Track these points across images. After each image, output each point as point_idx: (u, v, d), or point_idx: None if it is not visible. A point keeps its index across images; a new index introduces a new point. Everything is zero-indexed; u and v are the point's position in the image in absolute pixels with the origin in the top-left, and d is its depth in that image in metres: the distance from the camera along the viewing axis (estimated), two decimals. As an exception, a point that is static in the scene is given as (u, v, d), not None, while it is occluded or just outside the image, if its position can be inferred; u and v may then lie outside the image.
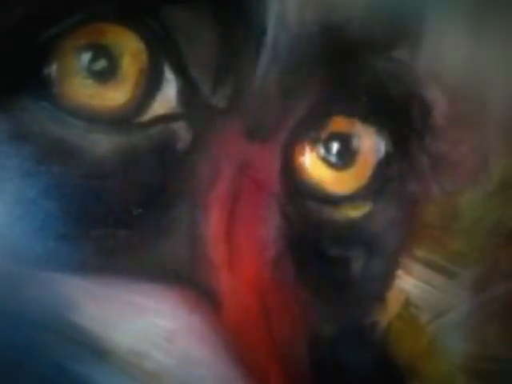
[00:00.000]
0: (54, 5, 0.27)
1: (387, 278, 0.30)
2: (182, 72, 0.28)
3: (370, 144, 0.30)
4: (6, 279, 0.27)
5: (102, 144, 0.27)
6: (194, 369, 0.27)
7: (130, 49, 0.28)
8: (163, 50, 0.28)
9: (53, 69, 0.27)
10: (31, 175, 0.27)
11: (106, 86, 0.28)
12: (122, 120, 0.28)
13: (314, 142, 0.30)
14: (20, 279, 0.27)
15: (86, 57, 0.27)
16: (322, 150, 0.30)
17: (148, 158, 0.27)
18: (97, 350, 0.26)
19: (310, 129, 0.29)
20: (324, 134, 0.30)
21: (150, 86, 0.28)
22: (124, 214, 0.27)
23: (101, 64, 0.28)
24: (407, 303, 0.30)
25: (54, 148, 0.27)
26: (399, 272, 0.30)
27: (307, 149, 0.29)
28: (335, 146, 0.30)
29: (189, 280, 0.27)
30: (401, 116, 0.30)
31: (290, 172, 0.29)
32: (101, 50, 0.27)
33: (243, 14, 0.28)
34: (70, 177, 0.27)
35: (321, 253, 0.29)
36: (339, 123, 0.30)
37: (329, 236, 0.29)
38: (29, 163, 0.27)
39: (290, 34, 0.28)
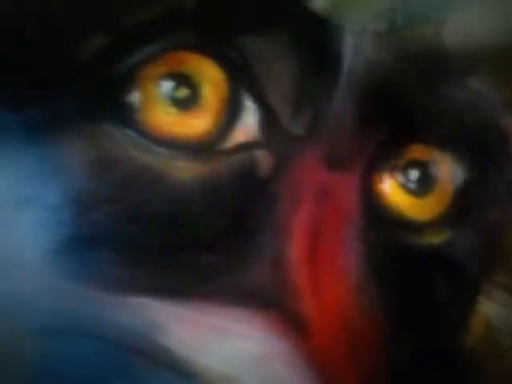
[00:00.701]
0: (135, 34, 0.30)
1: (469, 304, 0.33)
2: (261, 100, 0.30)
3: (448, 171, 0.33)
4: (96, 305, 0.30)
5: (185, 171, 0.30)
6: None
7: (211, 78, 0.30)
8: (243, 78, 0.30)
9: (136, 97, 0.29)
10: (115, 201, 0.31)
11: (188, 113, 0.30)
12: (204, 147, 0.30)
13: (392, 170, 0.33)
14: (109, 304, 0.29)
15: (168, 85, 0.29)
16: (400, 177, 0.33)
17: (230, 185, 0.30)
18: (186, 374, 0.28)
19: (388, 156, 0.32)
20: (402, 162, 0.33)
21: (231, 114, 0.30)
22: (209, 240, 0.31)
23: (182, 92, 0.30)
24: (490, 328, 0.33)
25: (138, 174, 0.30)
26: (480, 297, 0.33)
27: (386, 176, 0.32)
28: (414, 173, 0.33)
29: (275, 305, 0.29)
30: (477, 144, 0.33)
31: (370, 198, 0.32)
32: (182, 79, 0.29)
33: (319, 45, 0.32)
34: (154, 203, 0.31)
35: (402, 278, 0.32)
36: (417, 151, 0.33)
37: (409, 262, 0.32)
38: (113, 189, 0.31)
39: (365, 64, 0.31)
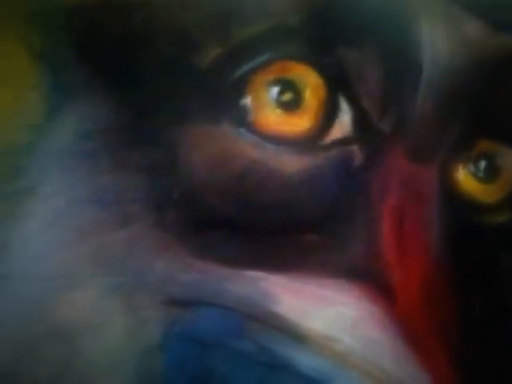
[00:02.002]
0: (247, 45, 0.33)
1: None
2: (354, 103, 0.34)
3: (511, 162, 0.38)
4: (217, 278, 0.34)
5: (290, 164, 0.34)
6: (375, 349, 0.32)
7: (312, 83, 0.34)
8: (339, 83, 0.34)
9: (248, 100, 0.34)
10: (231, 190, 0.35)
11: (292, 114, 0.34)
12: (306, 143, 0.34)
13: (465, 161, 0.37)
14: (228, 277, 0.34)
15: (275, 90, 0.34)
16: (471, 167, 0.37)
17: (329, 175, 0.35)
18: (295, 335, 0.32)
19: (461, 150, 0.37)
20: (473, 154, 0.37)
21: (329, 114, 0.34)
22: (312, 223, 0.35)
23: (287, 96, 0.34)
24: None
25: (251, 167, 0.35)
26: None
27: (460, 167, 0.37)
28: (482, 164, 0.38)
29: (368, 276, 0.33)
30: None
31: (446, 186, 0.36)
32: (287, 84, 0.34)
33: (402, 52, 0.36)
34: (264, 191, 0.35)
35: (473, 251, 0.36)
36: (485, 144, 0.37)
37: (479, 237, 0.37)
38: (229, 180, 0.35)
39: (442, 68, 0.35)
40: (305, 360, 0.31)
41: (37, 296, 0.30)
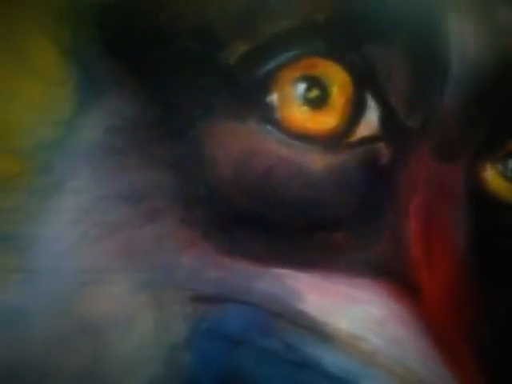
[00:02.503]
0: (274, 42, 0.34)
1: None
2: (381, 100, 0.34)
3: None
4: (243, 275, 0.35)
5: (317, 161, 0.34)
6: (401, 348, 0.32)
7: (338, 80, 0.34)
8: (366, 81, 0.34)
9: (274, 97, 0.34)
10: (258, 187, 0.36)
11: (319, 111, 0.34)
12: (333, 141, 0.35)
13: (493, 160, 0.37)
14: (254, 275, 0.34)
15: (302, 87, 0.34)
16: (499, 167, 0.38)
17: (355, 173, 0.35)
18: (322, 334, 0.32)
19: (489, 149, 0.37)
20: (501, 153, 0.38)
21: (356, 112, 0.34)
22: (338, 220, 0.35)
23: (314, 93, 0.34)
24: None
25: (277, 164, 0.35)
26: None
27: (488, 166, 0.37)
28: (511, 163, 0.38)
29: (394, 275, 0.33)
30: None
31: (474, 185, 0.36)
32: (314, 81, 0.34)
33: (429, 50, 0.36)
34: (291, 189, 0.36)
35: (500, 250, 0.37)
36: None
37: (506, 236, 0.37)
38: (256, 177, 0.35)
39: (470, 66, 0.36)
40: (331, 359, 0.32)
41: (65, 291, 0.31)
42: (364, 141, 0.34)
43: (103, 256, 0.31)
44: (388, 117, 0.34)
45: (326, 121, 0.34)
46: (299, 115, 0.34)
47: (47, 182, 0.31)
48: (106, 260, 0.31)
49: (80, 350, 0.30)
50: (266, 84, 0.33)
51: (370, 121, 0.34)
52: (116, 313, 0.31)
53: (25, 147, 0.31)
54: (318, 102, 0.34)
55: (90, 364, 0.29)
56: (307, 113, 0.34)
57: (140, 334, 0.30)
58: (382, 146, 0.34)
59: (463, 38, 0.33)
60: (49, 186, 0.31)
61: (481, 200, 0.34)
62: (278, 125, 0.33)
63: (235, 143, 0.33)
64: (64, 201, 0.31)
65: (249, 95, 0.33)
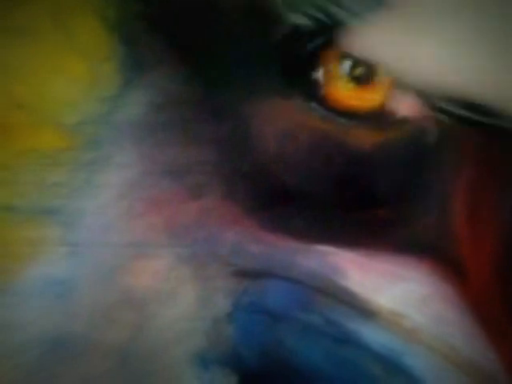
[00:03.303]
0: (320, 19, 0.36)
1: None
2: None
3: None
4: (287, 252, 0.36)
5: (362, 138, 0.35)
6: (444, 327, 0.33)
7: (384, 57, 0.35)
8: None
9: (320, 74, 0.34)
10: (302, 164, 0.36)
11: (365, 89, 0.35)
12: (377, 118, 0.36)
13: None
14: (298, 252, 0.35)
15: (348, 64, 0.35)
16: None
17: (401, 150, 0.35)
18: (364, 310, 0.33)
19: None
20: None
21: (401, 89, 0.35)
22: (383, 198, 0.36)
23: (359, 71, 0.35)
24: None
25: (322, 141, 0.36)
26: None
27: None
28: None
29: (438, 253, 0.34)
30: None
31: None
32: (359, 59, 0.35)
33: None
34: (336, 165, 0.36)
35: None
36: None
37: None
38: (301, 154, 0.36)
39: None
40: (372, 335, 0.32)
41: (110, 264, 0.32)
42: (410, 118, 0.34)
43: (147, 230, 0.32)
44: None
45: (372, 97, 0.34)
46: (344, 92, 0.34)
47: (93, 157, 0.32)
48: (150, 234, 0.32)
49: (123, 322, 0.31)
50: (312, 61, 0.34)
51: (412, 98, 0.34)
52: (159, 286, 0.32)
53: (71, 123, 0.32)
54: (364, 79, 0.34)
55: (133, 336, 0.31)
56: (353, 90, 0.34)
57: (182, 307, 0.31)
58: (428, 123, 0.34)
59: None
60: (94, 161, 0.32)
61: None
62: (323, 102, 0.34)
63: (280, 120, 0.34)
64: (109, 176, 0.32)
65: (294, 72, 0.34)
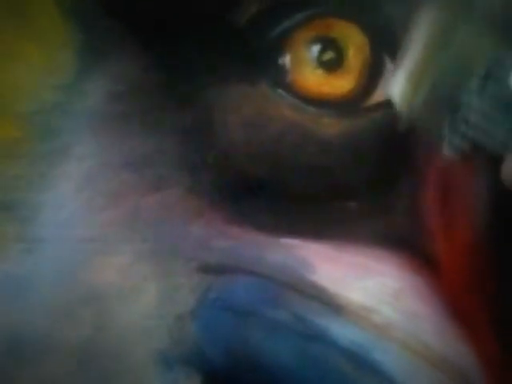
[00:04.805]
0: (287, 2, 0.35)
1: None
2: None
3: None
4: (253, 245, 0.36)
5: (331, 127, 0.35)
6: (417, 323, 0.33)
7: (355, 42, 0.35)
8: (384, 42, 0.35)
9: (287, 59, 0.35)
10: (269, 154, 0.37)
11: (334, 75, 0.35)
12: (348, 106, 0.35)
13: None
14: (264, 245, 0.35)
15: (316, 49, 0.35)
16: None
17: (371, 139, 0.36)
18: (333, 305, 0.33)
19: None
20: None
21: (373, 75, 0.35)
22: (352, 189, 0.37)
23: (329, 55, 0.35)
24: None
25: (290, 130, 0.36)
26: None
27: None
28: None
29: (410, 246, 0.34)
30: None
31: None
32: (329, 43, 0.35)
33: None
34: (303, 155, 0.37)
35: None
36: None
37: None
38: (267, 143, 0.37)
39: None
40: (342, 331, 0.33)
41: (70, 260, 0.33)
42: (381, 106, 0.35)
43: (108, 225, 0.32)
44: (407, 80, 0.34)
45: (342, 84, 0.35)
46: (313, 78, 0.35)
47: (50, 148, 0.32)
48: (111, 229, 0.32)
49: (84, 320, 0.31)
50: (279, 46, 0.35)
51: (388, 84, 0.34)
52: (121, 283, 0.33)
53: (26, 111, 0.33)
54: (333, 65, 0.35)
55: (94, 334, 0.31)
56: (321, 76, 0.35)
57: (145, 304, 0.32)
58: (399, 112, 0.34)
59: None
60: (51, 152, 0.32)
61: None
62: (291, 88, 0.35)
63: (245, 108, 0.35)
64: (67, 168, 0.32)
65: (260, 58, 0.35)
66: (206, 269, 0.34)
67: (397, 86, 0.32)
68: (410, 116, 0.33)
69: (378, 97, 0.35)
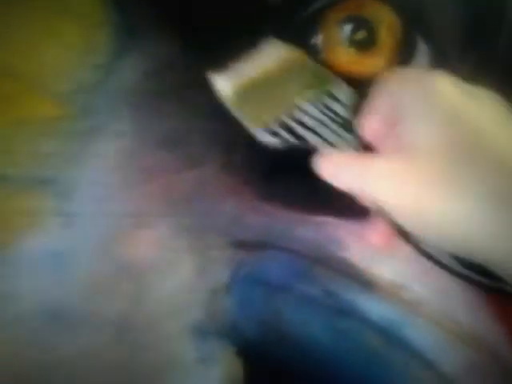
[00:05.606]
0: None
1: None
2: (432, 42, 0.36)
3: None
4: (285, 222, 0.38)
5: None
6: (447, 300, 0.35)
7: (387, 21, 0.36)
8: (416, 22, 0.36)
9: (319, 39, 0.36)
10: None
11: (366, 54, 0.37)
12: None
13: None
14: (296, 222, 0.37)
15: (348, 28, 0.36)
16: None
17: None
18: (362, 281, 0.35)
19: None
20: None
21: (405, 54, 0.36)
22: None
23: (361, 34, 0.37)
24: None
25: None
26: None
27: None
28: None
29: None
30: None
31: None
32: (361, 22, 0.36)
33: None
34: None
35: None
36: None
37: None
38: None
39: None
40: (372, 307, 0.35)
41: (106, 235, 0.34)
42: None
43: (144, 200, 0.34)
44: (438, 60, 0.36)
45: (374, 63, 0.36)
46: (345, 57, 0.36)
47: (87, 126, 0.34)
48: (147, 204, 0.34)
49: (120, 293, 0.33)
50: (312, 25, 0.36)
51: (420, 64, 0.36)
52: (156, 257, 0.34)
53: (64, 90, 0.34)
54: (366, 44, 0.36)
55: (130, 308, 0.33)
56: (354, 55, 0.36)
57: (180, 278, 0.33)
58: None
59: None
60: (89, 130, 0.34)
61: None
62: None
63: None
64: (105, 145, 0.34)
65: (293, 37, 0.35)
66: (239, 244, 0.35)
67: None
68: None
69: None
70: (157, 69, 0.34)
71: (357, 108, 0.32)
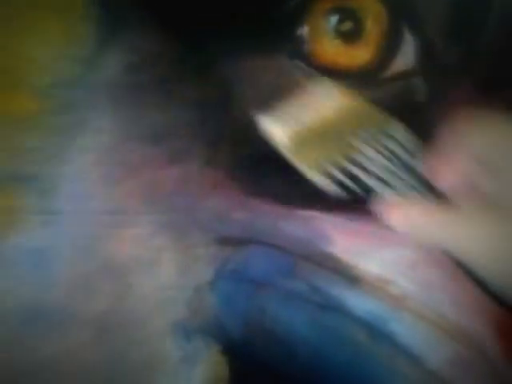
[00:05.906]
0: None
1: None
2: (419, 33, 0.36)
3: None
4: (269, 217, 0.37)
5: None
6: (433, 294, 0.35)
7: (373, 11, 0.36)
8: (402, 12, 0.36)
9: (305, 30, 0.36)
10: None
11: (352, 45, 0.36)
12: (366, 76, 0.37)
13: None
14: (281, 217, 0.37)
15: (334, 19, 0.36)
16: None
17: (390, 110, 0.37)
18: (348, 276, 0.35)
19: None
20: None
21: (391, 45, 0.36)
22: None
23: (347, 25, 0.36)
24: None
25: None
26: None
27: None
28: None
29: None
30: None
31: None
32: (347, 13, 0.36)
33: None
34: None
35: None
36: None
37: None
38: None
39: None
40: (358, 302, 0.35)
41: (89, 232, 0.34)
42: (400, 75, 0.36)
43: (126, 197, 0.34)
44: (425, 50, 0.36)
45: (360, 55, 0.36)
46: (331, 49, 0.36)
47: (68, 121, 0.34)
48: (129, 201, 0.34)
49: (103, 291, 0.33)
50: (297, 16, 0.36)
51: (407, 54, 0.36)
52: (139, 254, 0.34)
53: (44, 84, 0.34)
54: (352, 35, 0.36)
55: (113, 305, 0.33)
56: (339, 46, 0.36)
57: (163, 275, 0.34)
58: (418, 81, 0.36)
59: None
60: (70, 125, 0.34)
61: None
62: (308, 59, 0.36)
63: (263, 79, 0.36)
64: (86, 140, 0.34)
65: (278, 28, 0.36)
66: (224, 240, 0.35)
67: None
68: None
69: (396, 67, 0.36)
70: (139, 62, 0.34)
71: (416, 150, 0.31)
